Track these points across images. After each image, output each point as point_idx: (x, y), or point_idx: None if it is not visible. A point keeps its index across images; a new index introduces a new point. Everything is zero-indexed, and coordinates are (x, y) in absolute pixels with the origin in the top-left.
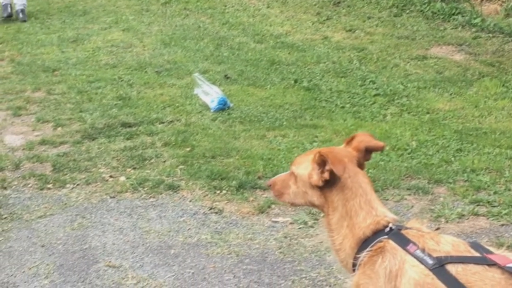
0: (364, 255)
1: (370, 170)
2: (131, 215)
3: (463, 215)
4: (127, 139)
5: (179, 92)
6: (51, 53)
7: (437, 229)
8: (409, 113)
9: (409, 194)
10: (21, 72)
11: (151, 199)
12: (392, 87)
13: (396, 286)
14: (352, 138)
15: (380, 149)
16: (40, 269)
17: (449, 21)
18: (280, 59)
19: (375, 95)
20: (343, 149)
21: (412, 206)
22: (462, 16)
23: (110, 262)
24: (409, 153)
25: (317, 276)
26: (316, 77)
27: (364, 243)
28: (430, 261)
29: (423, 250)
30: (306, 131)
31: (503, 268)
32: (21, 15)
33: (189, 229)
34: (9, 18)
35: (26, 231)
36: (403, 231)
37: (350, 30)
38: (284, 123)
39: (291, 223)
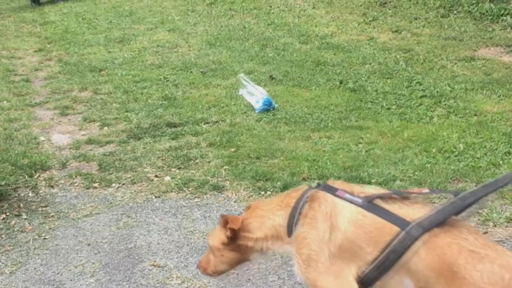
0: (300, 209)
1: (416, 173)
2: (176, 215)
3: None
4: (172, 139)
5: (224, 93)
6: (98, 53)
7: (485, 233)
8: (456, 115)
9: None
10: (68, 71)
11: (196, 199)
12: (439, 88)
13: (332, 225)
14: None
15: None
16: (86, 267)
17: (497, 22)
18: (326, 60)
19: (421, 96)
20: None
21: None
22: (511, 17)
23: (155, 261)
24: (456, 156)
25: None
26: (362, 78)
27: (292, 212)
28: (360, 200)
29: (352, 194)
30: (352, 132)
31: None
32: None
33: None
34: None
35: (72, 230)
36: (329, 183)
37: (396, 31)
38: (329, 124)
39: None
